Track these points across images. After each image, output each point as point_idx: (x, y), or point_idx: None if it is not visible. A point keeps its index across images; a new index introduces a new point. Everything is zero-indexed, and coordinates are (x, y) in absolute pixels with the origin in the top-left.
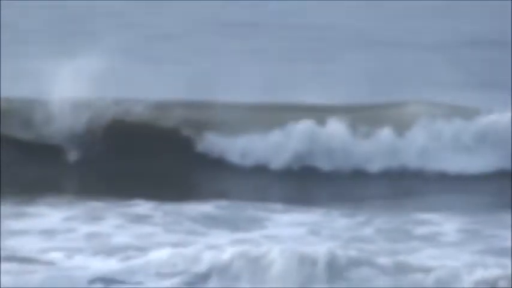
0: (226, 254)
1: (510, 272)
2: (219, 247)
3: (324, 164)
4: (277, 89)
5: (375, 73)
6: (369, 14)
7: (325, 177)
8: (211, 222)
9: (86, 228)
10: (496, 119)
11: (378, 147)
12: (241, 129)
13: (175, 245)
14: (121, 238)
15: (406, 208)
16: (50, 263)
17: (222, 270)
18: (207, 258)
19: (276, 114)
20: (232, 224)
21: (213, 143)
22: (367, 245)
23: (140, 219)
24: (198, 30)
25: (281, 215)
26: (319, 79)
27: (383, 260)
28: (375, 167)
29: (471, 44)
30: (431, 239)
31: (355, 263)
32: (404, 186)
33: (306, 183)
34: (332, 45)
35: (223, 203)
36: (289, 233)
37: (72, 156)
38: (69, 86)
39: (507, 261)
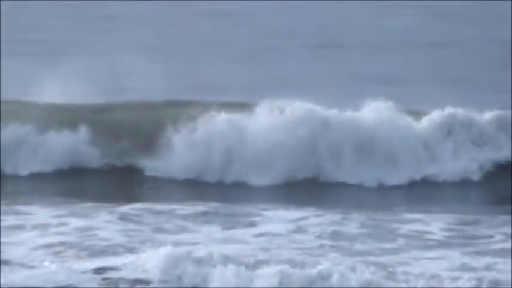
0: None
1: (494, 273)
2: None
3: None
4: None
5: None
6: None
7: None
8: (203, 220)
9: (76, 224)
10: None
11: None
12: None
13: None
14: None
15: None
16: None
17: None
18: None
19: None
20: (222, 223)
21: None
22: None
23: (130, 217)
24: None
25: (271, 214)
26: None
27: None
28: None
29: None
30: (417, 239)
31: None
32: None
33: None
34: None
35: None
36: (277, 231)
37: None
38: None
39: (492, 261)
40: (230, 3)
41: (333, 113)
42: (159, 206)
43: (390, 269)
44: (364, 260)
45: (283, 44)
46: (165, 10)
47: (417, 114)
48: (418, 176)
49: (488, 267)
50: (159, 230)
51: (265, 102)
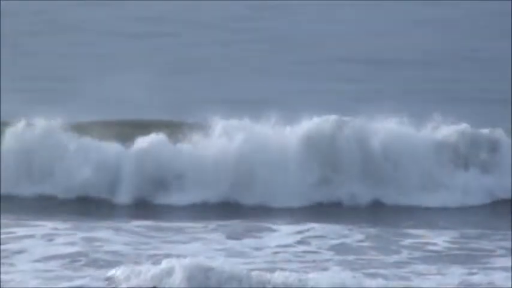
0: None
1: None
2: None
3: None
4: None
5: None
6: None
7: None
8: (209, 234)
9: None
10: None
11: None
12: None
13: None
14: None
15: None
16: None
17: None
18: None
19: None
20: (228, 235)
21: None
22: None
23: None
24: None
25: (276, 227)
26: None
27: None
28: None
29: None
30: (420, 254)
31: None
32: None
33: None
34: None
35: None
36: (283, 244)
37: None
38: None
39: (494, 278)
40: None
41: (341, 129)
42: (166, 224)
43: (391, 284)
44: (366, 272)
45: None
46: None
47: (426, 131)
48: (424, 195)
49: (490, 283)
50: (166, 242)
51: (269, 118)
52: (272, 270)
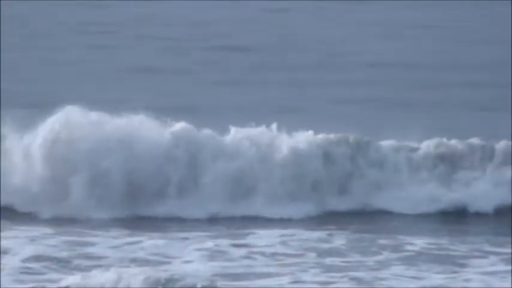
0: None
1: None
2: None
3: None
4: None
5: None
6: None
7: None
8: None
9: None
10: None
11: None
12: None
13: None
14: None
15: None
16: None
17: None
18: None
19: None
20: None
21: None
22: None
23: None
24: None
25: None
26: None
27: None
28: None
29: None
30: (399, 256)
31: None
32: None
33: None
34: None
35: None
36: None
37: None
38: None
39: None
40: None
41: (330, 146)
42: (155, 234)
43: (369, 286)
44: (346, 275)
45: None
46: None
47: (410, 141)
48: (406, 202)
49: (467, 285)
50: (148, 245)
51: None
52: (250, 273)
